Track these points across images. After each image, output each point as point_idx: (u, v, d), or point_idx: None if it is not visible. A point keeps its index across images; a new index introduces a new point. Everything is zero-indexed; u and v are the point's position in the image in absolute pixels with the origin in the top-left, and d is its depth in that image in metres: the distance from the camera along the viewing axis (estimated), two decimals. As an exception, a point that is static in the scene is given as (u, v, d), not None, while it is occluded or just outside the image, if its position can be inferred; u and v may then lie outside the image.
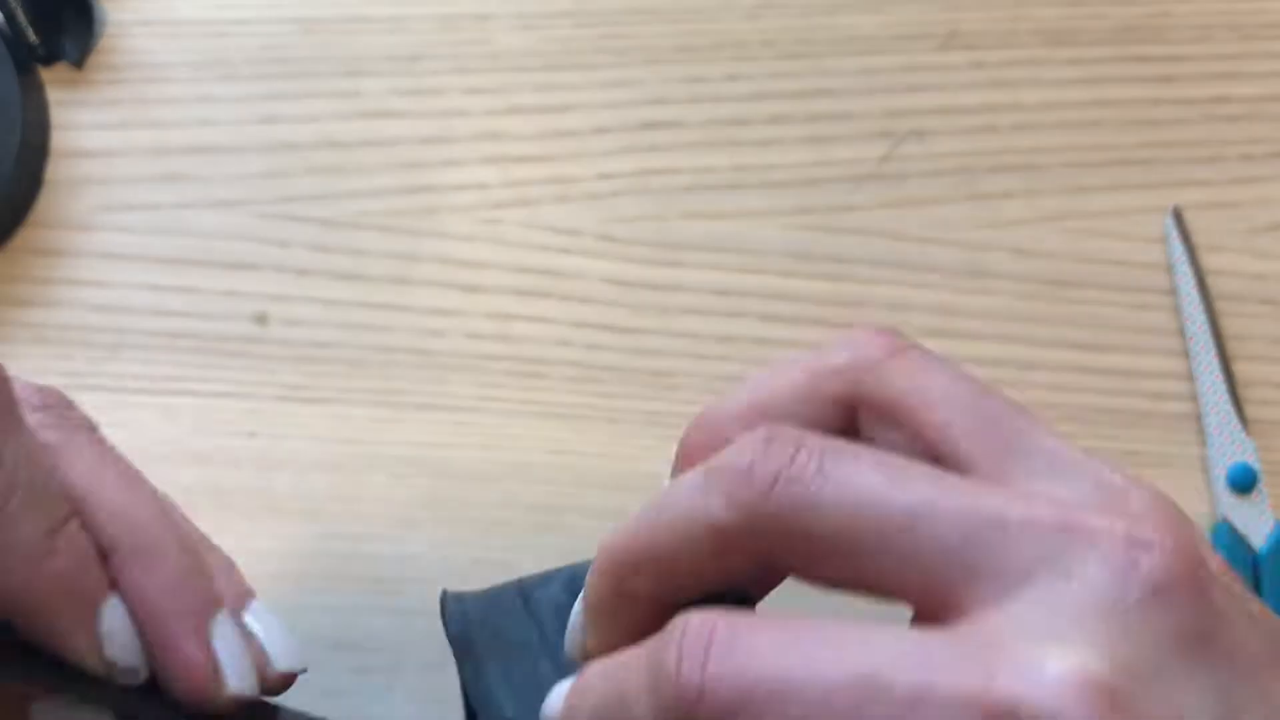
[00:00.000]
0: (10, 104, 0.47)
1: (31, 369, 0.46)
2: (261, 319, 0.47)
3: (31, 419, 0.30)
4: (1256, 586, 0.43)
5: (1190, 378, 0.45)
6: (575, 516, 0.44)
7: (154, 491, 0.32)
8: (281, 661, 0.32)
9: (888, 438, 0.27)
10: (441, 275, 0.47)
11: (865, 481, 0.24)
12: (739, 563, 0.26)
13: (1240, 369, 0.45)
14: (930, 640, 0.23)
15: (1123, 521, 0.23)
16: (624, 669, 0.25)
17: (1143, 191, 0.48)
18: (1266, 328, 0.46)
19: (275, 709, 0.33)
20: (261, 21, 0.50)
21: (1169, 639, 0.23)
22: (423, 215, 0.48)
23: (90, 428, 0.32)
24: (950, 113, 0.48)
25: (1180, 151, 0.48)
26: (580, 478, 0.44)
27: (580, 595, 0.29)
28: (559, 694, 0.27)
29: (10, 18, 0.48)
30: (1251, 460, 0.44)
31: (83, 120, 0.49)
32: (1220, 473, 0.44)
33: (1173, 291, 0.46)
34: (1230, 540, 0.43)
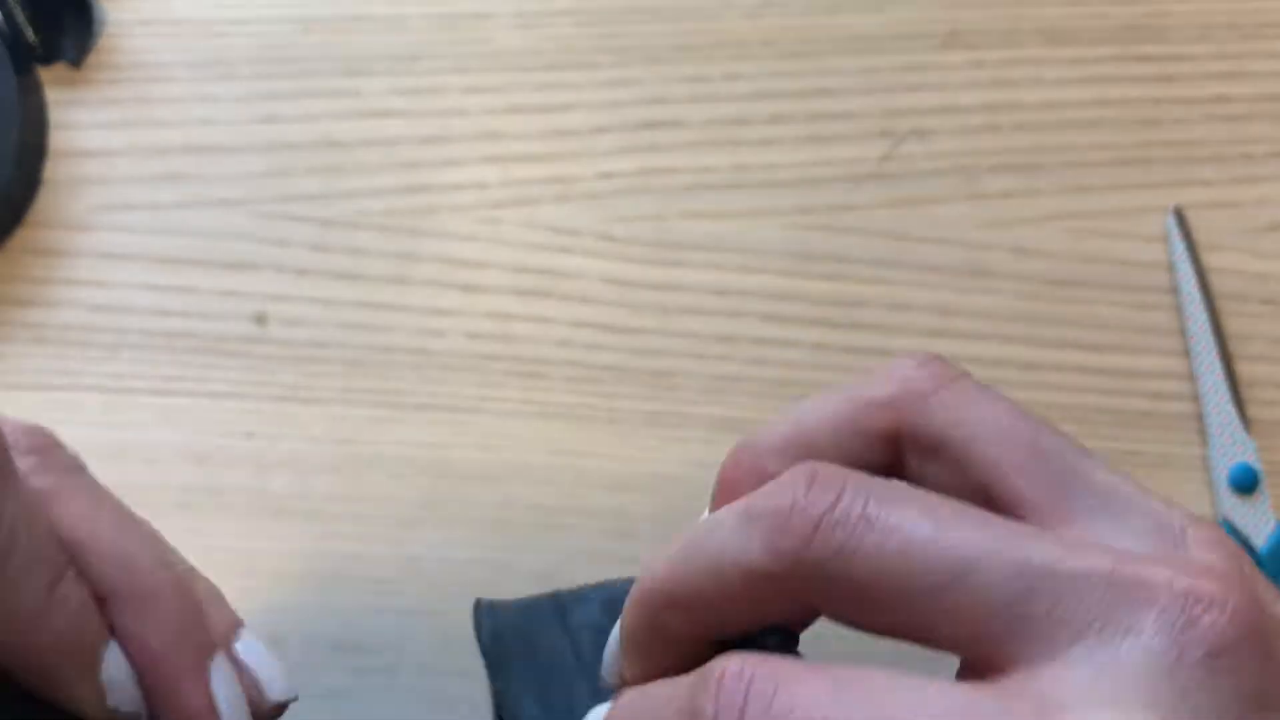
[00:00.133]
0: (9, 104, 0.47)
1: (31, 369, 0.46)
2: (260, 319, 0.46)
3: (22, 464, 0.30)
4: (1257, 587, 0.43)
5: (1191, 378, 0.45)
6: (575, 516, 0.44)
7: (147, 531, 0.32)
8: (274, 692, 0.32)
9: (935, 473, 0.26)
10: (441, 275, 0.47)
11: (912, 529, 0.23)
12: (778, 606, 0.25)
13: (1241, 369, 0.45)
14: (981, 700, 0.22)
15: (1183, 576, 0.22)
16: (661, 707, 0.24)
17: (1144, 191, 0.47)
18: (1268, 327, 0.46)
19: None
20: (261, 21, 0.50)
21: (1231, 702, 0.21)
22: (422, 215, 0.48)
23: (80, 468, 0.32)
24: (950, 112, 0.48)
25: (1181, 151, 0.48)
26: (580, 478, 0.44)
27: (618, 621, 0.28)
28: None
29: (9, 17, 0.48)
30: (1253, 460, 0.44)
31: (81, 120, 0.49)
32: (1221, 473, 0.44)
33: (1174, 291, 0.46)
34: (1231, 540, 0.43)
